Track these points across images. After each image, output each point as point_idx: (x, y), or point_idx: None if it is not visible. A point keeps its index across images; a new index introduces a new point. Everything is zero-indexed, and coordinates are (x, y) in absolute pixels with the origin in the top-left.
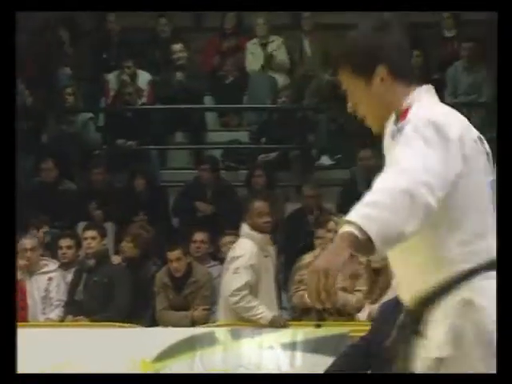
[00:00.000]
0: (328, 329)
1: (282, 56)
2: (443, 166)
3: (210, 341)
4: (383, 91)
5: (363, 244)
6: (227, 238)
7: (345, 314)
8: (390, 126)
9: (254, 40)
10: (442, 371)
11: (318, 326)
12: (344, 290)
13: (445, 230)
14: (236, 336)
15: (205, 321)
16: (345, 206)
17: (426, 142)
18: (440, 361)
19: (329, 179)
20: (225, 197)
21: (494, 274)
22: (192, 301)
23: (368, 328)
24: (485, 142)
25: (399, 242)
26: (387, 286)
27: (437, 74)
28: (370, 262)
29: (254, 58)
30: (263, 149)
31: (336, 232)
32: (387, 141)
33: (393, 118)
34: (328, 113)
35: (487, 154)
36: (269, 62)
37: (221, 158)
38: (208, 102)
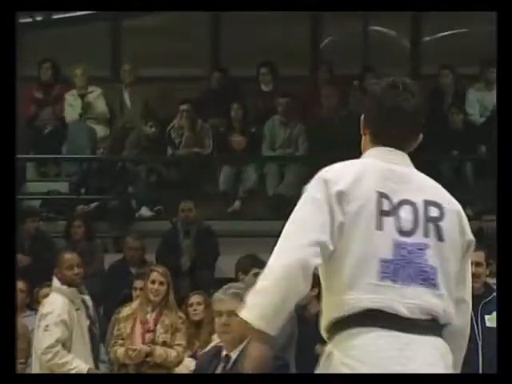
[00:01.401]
0: None
1: (101, 107)
2: (323, 219)
3: None
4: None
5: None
6: (45, 290)
7: (164, 367)
8: None
9: (73, 91)
10: None
11: None
12: (164, 344)
13: (329, 279)
14: None
15: None
16: (165, 258)
17: (308, 200)
18: None
19: (149, 230)
20: (43, 248)
21: (360, 330)
22: None
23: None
24: (391, 197)
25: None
26: (209, 338)
27: (255, 127)
28: (188, 315)
29: (72, 109)
30: (83, 199)
31: (161, 283)
32: None
33: None
34: (147, 164)
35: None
36: (87, 112)
37: (39, 209)
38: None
